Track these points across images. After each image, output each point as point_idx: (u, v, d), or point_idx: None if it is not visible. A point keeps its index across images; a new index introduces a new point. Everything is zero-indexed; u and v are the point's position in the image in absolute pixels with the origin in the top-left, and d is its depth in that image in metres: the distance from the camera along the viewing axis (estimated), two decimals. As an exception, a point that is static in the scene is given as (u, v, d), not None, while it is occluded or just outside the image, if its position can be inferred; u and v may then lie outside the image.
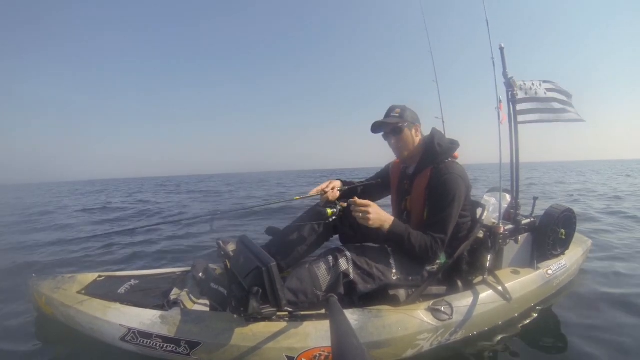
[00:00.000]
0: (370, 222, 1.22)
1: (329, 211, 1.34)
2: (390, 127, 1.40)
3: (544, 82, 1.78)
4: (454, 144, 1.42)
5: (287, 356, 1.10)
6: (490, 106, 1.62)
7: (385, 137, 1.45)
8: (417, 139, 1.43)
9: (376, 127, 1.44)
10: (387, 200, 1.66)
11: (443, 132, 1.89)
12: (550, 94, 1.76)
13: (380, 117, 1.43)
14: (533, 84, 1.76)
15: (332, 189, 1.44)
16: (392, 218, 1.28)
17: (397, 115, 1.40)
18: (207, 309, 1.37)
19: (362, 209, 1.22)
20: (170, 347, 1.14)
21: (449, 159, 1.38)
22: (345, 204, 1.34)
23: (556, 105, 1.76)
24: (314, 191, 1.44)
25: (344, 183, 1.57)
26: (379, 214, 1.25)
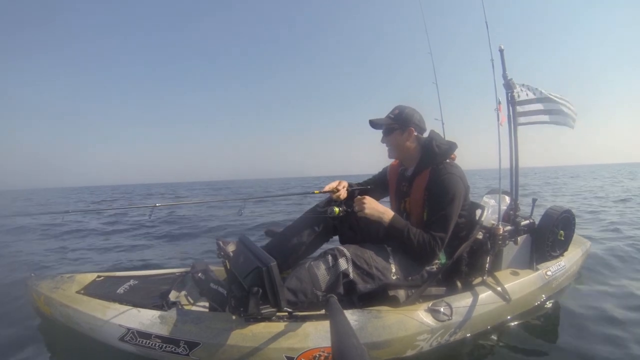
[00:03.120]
0: (366, 211, 1.30)
1: (337, 209, 1.40)
2: (380, 126, 1.45)
3: (537, 89, 1.79)
4: (451, 146, 1.43)
5: (286, 356, 1.10)
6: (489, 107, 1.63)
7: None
8: (409, 143, 1.42)
9: (372, 124, 1.48)
10: (387, 200, 1.67)
11: (443, 134, 1.90)
12: (548, 95, 1.76)
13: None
14: (529, 89, 1.76)
15: (343, 187, 1.52)
16: (392, 212, 1.34)
17: (392, 116, 1.42)
18: (207, 309, 1.37)
19: (359, 199, 1.33)
20: (169, 347, 1.14)
21: (448, 160, 1.39)
22: (348, 209, 1.41)
23: (554, 106, 1.76)
24: (327, 187, 1.51)
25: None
26: (376, 204, 1.33)
